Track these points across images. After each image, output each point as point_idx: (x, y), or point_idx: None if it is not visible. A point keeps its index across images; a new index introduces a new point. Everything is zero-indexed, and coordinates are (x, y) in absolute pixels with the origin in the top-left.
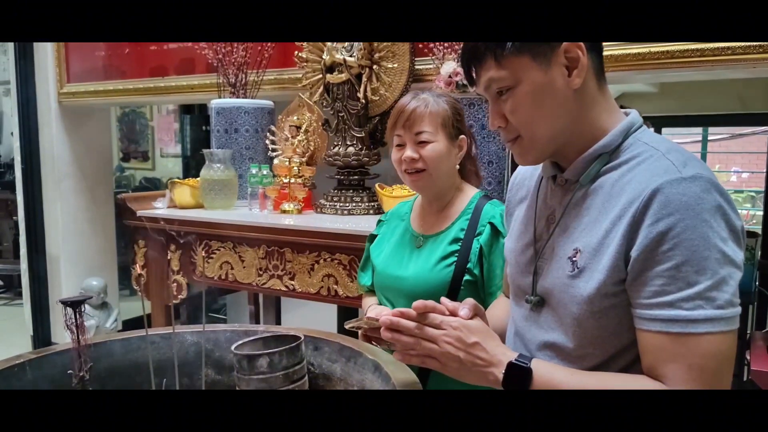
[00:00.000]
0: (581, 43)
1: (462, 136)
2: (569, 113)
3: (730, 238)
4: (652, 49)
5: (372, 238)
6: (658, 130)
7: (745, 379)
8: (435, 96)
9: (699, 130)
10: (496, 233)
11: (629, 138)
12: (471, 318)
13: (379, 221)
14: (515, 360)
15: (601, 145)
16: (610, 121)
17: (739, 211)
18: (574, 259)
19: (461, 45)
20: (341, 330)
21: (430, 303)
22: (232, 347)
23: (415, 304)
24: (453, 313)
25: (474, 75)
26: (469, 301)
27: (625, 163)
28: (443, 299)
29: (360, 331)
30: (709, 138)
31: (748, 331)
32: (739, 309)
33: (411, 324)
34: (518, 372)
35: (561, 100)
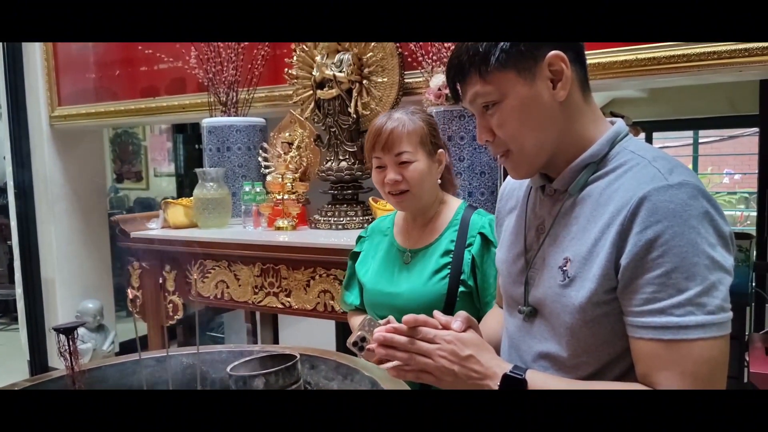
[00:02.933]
0: (564, 56)
1: (440, 150)
2: (556, 125)
3: (718, 244)
4: (639, 56)
5: (354, 255)
6: (649, 135)
7: (745, 380)
8: (409, 114)
9: (690, 133)
10: (486, 243)
11: (616, 146)
12: (464, 331)
13: (360, 237)
14: (509, 372)
15: (588, 154)
16: (597, 131)
17: (733, 212)
18: (564, 268)
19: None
20: (339, 345)
21: (421, 317)
22: (228, 368)
23: (405, 318)
24: (446, 327)
25: (459, 90)
26: (462, 313)
27: (612, 172)
28: (436, 313)
29: (362, 349)
30: (700, 141)
31: (747, 333)
32: (730, 314)
33: (404, 339)
34: (513, 383)
35: (547, 112)
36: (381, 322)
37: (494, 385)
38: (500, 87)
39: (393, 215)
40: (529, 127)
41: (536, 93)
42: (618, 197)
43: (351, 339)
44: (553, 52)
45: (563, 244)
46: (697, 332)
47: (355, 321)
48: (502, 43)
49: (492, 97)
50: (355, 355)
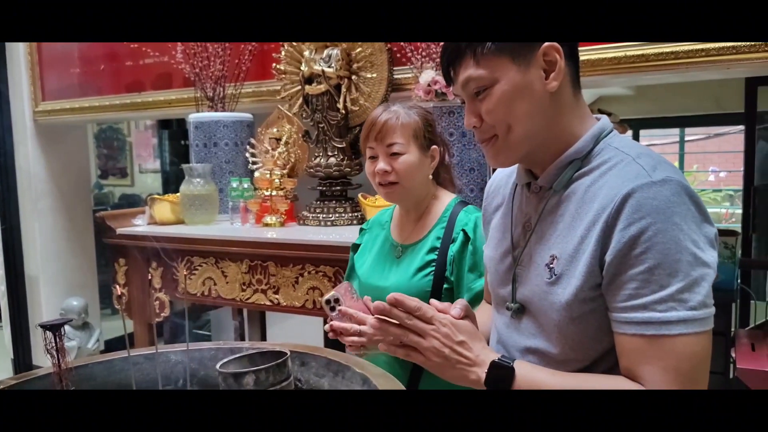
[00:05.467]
0: (560, 47)
1: (434, 146)
2: (544, 116)
3: (701, 240)
4: (628, 53)
5: (355, 247)
6: (636, 132)
7: (731, 376)
8: (406, 108)
9: (676, 131)
10: (467, 240)
11: (600, 143)
12: (461, 318)
13: (362, 230)
14: (498, 359)
15: (573, 150)
16: (582, 128)
17: (718, 210)
18: (551, 266)
19: (439, 53)
20: (328, 343)
21: (401, 297)
22: (217, 365)
23: (389, 297)
24: (443, 312)
25: (452, 74)
26: (461, 301)
27: (597, 169)
28: (432, 301)
29: (333, 309)
30: (686, 139)
31: (732, 329)
32: (712, 310)
33: (402, 314)
34: (501, 371)
35: (537, 101)
36: (359, 300)
37: (482, 372)
38: (494, 71)
39: (392, 209)
40: (518, 114)
41: (528, 80)
42: (603, 194)
43: (325, 296)
44: (549, 43)
45: (549, 241)
46: (679, 327)
47: None
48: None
49: (484, 82)
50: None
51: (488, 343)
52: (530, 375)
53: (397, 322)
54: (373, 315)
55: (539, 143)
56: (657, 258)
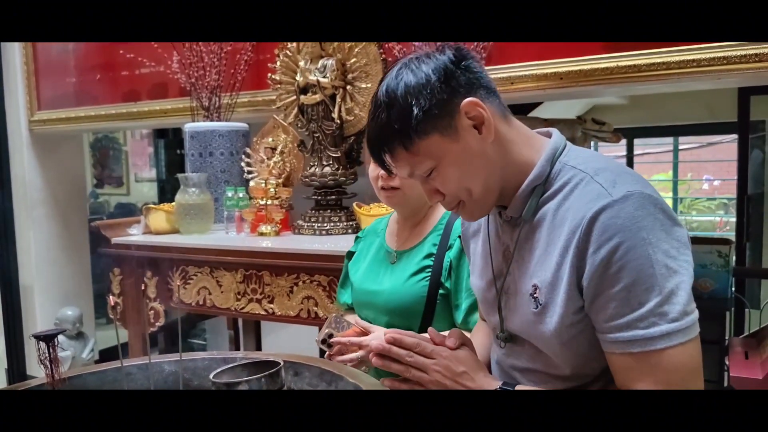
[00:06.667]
0: (477, 100)
1: None
2: (495, 164)
3: (672, 247)
4: (620, 64)
5: (350, 254)
6: (630, 141)
7: (725, 384)
8: None
9: (670, 139)
10: None
11: (556, 164)
12: (458, 347)
13: (357, 238)
14: (500, 387)
15: (531, 178)
16: (533, 152)
17: (712, 218)
18: (535, 295)
19: None
20: (323, 352)
21: (399, 335)
22: (211, 375)
23: (387, 337)
24: (439, 344)
25: (394, 169)
26: (455, 331)
27: (560, 191)
28: (430, 330)
29: (330, 346)
30: (680, 147)
31: (726, 338)
32: (694, 315)
33: (403, 351)
34: None
35: (483, 157)
36: (349, 327)
37: None
38: (430, 153)
39: (388, 218)
40: (472, 177)
41: (465, 145)
42: (570, 217)
43: (319, 336)
44: (465, 101)
45: (530, 270)
46: (663, 341)
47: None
48: (415, 112)
49: (427, 165)
50: (324, 353)
51: (488, 361)
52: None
53: (399, 360)
54: (364, 332)
55: (501, 185)
56: (631, 275)
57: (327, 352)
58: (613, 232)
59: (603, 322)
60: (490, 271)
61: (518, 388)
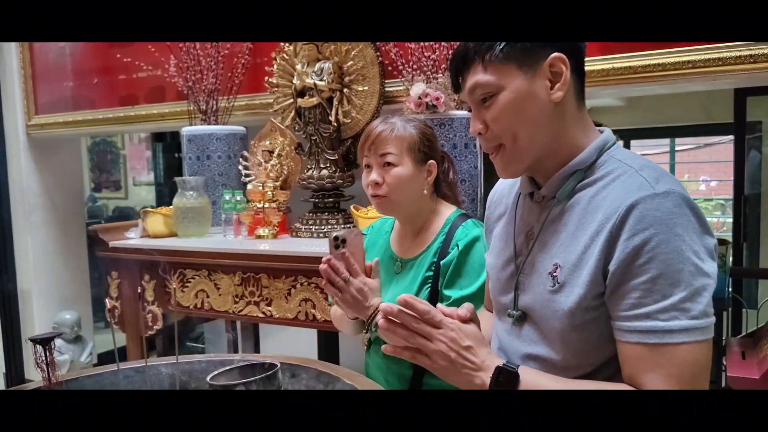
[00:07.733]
0: (566, 59)
1: (431, 161)
2: (548, 125)
3: (702, 251)
4: (615, 65)
5: None
6: (626, 143)
7: (723, 384)
8: (405, 120)
9: (666, 141)
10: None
11: (603, 155)
12: (467, 321)
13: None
14: (503, 365)
15: (576, 161)
16: (586, 140)
17: (710, 219)
18: (554, 274)
19: (429, 66)
20: (321, 354)
21: (411, 299)
22: (208, 378)
23: (399, 298)
24: (449, 317)
25: (460, 80)
26: (468, 304)
27: (600, 180)
28: (439, 305)
29: (338, 248)
30: (676, 148)
31: (724, 338)
32: (713, 319)
33: (410, 317)
34: (505, 376)
35: (541, 111)
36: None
37: (486, 377)
38: (500, 78)
39: (393, 220)
40: (523, 122)
41: (534, 89)
42: (606, 205)
43: (335, 233)
44: (555, 54)
45: (552, 250)
46: (682, 336)
47: (335, 310)
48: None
49: (491, 88)
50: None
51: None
52: (534, 381)
53: (405, 325)
54: (371, 278)
55: (544, 153)
56: (660, 268)
57: (330, 251)
58: (649, 223)
59: (623, 310)
60: (510, 250)
61: (521, 368)
